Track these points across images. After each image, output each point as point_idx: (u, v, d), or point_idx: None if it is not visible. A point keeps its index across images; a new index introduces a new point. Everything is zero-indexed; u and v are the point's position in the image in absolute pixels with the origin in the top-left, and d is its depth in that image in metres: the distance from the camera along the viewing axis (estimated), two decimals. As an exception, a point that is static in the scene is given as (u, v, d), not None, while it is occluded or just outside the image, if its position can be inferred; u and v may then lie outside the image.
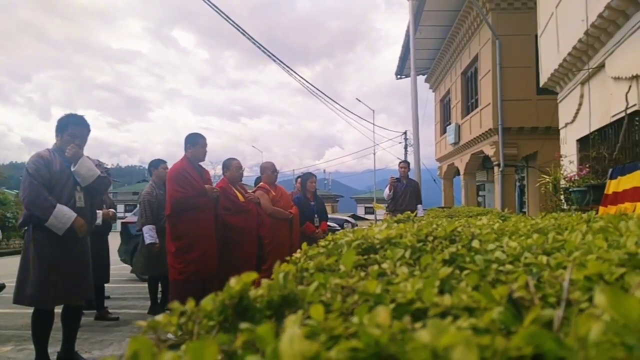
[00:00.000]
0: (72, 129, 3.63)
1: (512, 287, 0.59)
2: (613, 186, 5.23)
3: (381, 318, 0.49)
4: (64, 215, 3.45)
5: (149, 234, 5.44)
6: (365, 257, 1.12)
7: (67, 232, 3.47)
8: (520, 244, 1.09)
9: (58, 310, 3.65)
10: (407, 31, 13.32)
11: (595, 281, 0.70)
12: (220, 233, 4.81)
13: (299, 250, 1.36)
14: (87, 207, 3.70)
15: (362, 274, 0.88)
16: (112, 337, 4.59)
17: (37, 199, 3.38)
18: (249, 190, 5.54)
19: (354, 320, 0.54)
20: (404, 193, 8.04)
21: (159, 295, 5.90)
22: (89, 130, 3.75)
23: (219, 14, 10.44)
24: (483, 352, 0.42)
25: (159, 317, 0.68)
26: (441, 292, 0.70)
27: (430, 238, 1.29)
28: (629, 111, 5.51)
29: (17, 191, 21.45)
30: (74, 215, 3.51)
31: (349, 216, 32.37)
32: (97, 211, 5.13)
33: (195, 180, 4.55)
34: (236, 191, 5.10)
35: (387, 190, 8.26)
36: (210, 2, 9.85)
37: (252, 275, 0.70)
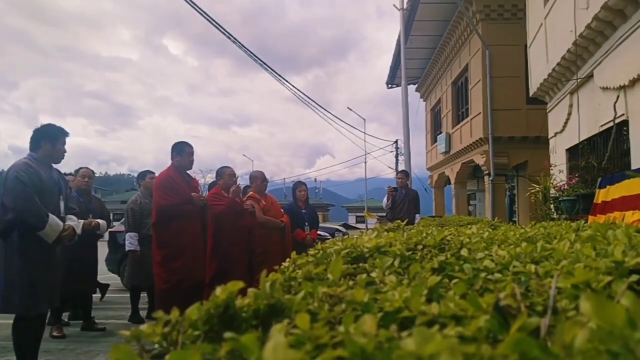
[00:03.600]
0: (62, 139, 3.68)
1: (499, 295, 0.59)
2: (602, 195, 5.27)
3: (367, 326, 0.49)
4: (56, 224, 3.49)
5: (130, 241, 5.51)
6: (355, 266, 1.11)
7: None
8: (509, 252, 1.09)
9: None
10: (398, 40, 13.42)
11: (582, 289, 0.70)
12: (215, 243, 4.78)
13: (288, 260, 1.35)
14: (65, 216, 3.75)
15: (351, 282, 0.87)
16: (99, 348, 4.53)
17: (33, 207, 3.37)
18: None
19: (340, 329, 0.53)
20: (402, 202, 8.02)
21: (146, 306, 5.86)
22: (67, 134, 3.76)
23: (209, 21, 10.45)
24: (469, 361, 0.41)
25: (143, 327, 0.67)
26: (429, 300, 0.70)
27: (420, 247, 1.28)
28: (617, 121, 5.58)
29: None
30: (62, 224, 3.56)
31: (340, 225, 32.32)
32: (79, 220, 5.06)
33: (181, 188, 4.53)
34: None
35: (385, 200, 8.25)
36: (200, 9, 9.86)
37: (238, 284, 0.69)
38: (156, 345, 0.67)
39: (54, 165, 3.76)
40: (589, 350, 0.41)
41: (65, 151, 3.73)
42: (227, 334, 0.50)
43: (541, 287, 0.69)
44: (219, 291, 0.67)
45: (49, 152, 3.63)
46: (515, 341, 0.42)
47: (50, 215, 3.45)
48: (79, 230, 3.79)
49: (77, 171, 5.62)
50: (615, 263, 0.83)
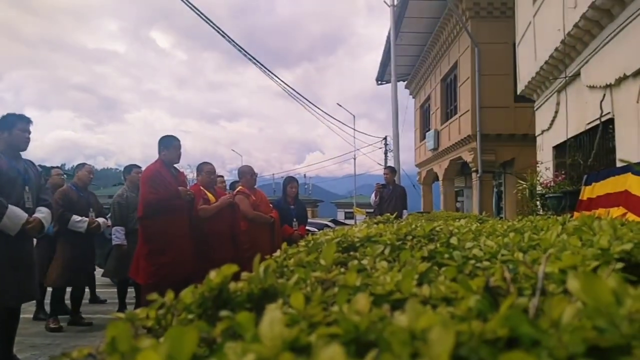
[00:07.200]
0: (20, 125, 3.59)
1: (489, 277, 0.60)
2: (587, 192, 5.33)
3: (360, 305, 0.49)
4: (16, 215, 3.38)
5: (116, 235, 5.52)
6: (346, 255, 1.12)
7: (17, 233, 3.42)
8: (497, 242, 1.11)
9: None
10: (388, 37, 13.43)
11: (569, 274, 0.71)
12: (200, 237, 4.76)
13: (279, 251, 1.36)
14: (34, 208, 3.65)
15: (342, 269, 0.88)
16: (86, 343, 4.51)
17: None
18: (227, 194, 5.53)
19: (334, 309, 0.54)
20: (390, 199, 8.04)
21: (133, 300, 5.84)
22: (27, 120, 3.70)
23: (198, 14, 10.38)
24: (460, 337, 0.42)
25: (137, 310, 0.67)
26: (420, 285, 0.71)
27: (410, 237, 1.30)
28: (603, 119, 5.64)
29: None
30: (25, 215, 3.44)
31: (329, 221, 32.27)
32: (82, 218, 5.12)
33: (168, 183, 4.49)
34: (209, 194, 5.06)
35: (373, 197, 8.28)
36: (189, 2, 9.79)
37: (233, 268, 0.70)
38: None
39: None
40: (576, 326, 0.42)
41: (27, 137, 3.63)
42: (223, 313, 0.50)
43: (529, 269, 0.71)
44: (213, 275, 0.68)
45: (8, 141, 3.54)
46: (505, 316, 0.43)
47: (10, 206, 3.34)
48: (47, 223, 3.70)
49: (78, 166, 5.70)
50: (601, 250, 0.85)
